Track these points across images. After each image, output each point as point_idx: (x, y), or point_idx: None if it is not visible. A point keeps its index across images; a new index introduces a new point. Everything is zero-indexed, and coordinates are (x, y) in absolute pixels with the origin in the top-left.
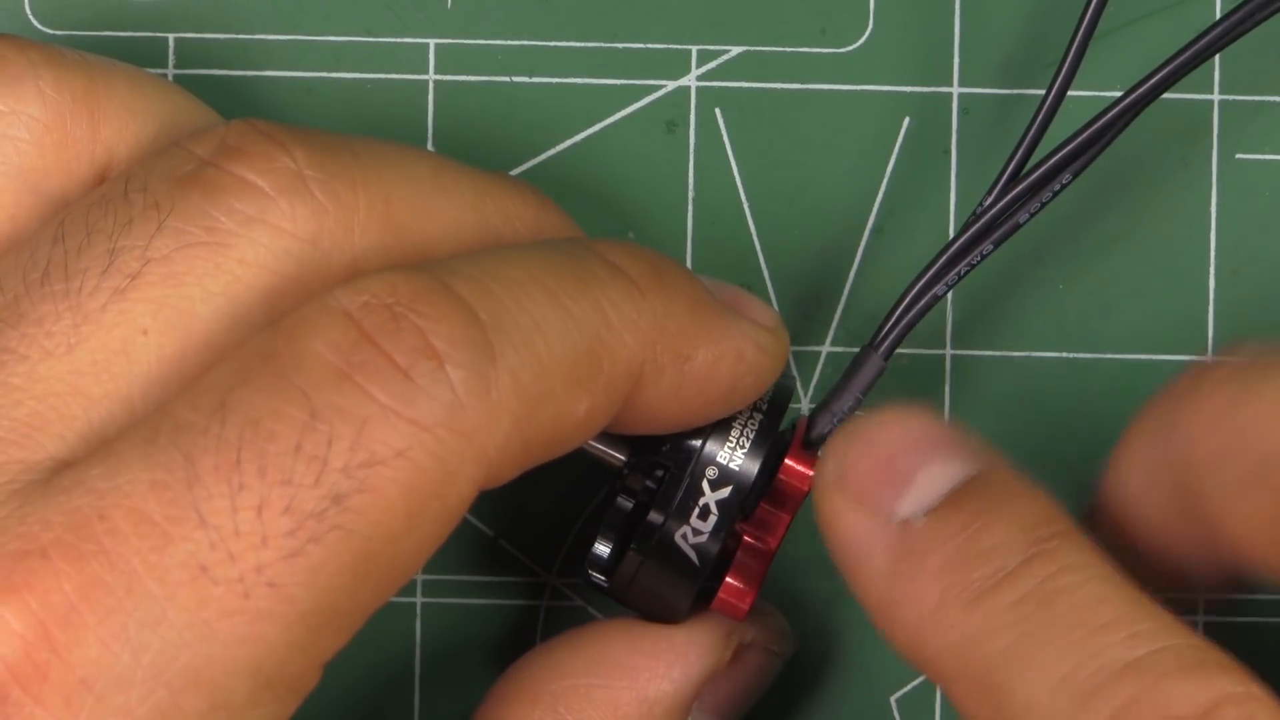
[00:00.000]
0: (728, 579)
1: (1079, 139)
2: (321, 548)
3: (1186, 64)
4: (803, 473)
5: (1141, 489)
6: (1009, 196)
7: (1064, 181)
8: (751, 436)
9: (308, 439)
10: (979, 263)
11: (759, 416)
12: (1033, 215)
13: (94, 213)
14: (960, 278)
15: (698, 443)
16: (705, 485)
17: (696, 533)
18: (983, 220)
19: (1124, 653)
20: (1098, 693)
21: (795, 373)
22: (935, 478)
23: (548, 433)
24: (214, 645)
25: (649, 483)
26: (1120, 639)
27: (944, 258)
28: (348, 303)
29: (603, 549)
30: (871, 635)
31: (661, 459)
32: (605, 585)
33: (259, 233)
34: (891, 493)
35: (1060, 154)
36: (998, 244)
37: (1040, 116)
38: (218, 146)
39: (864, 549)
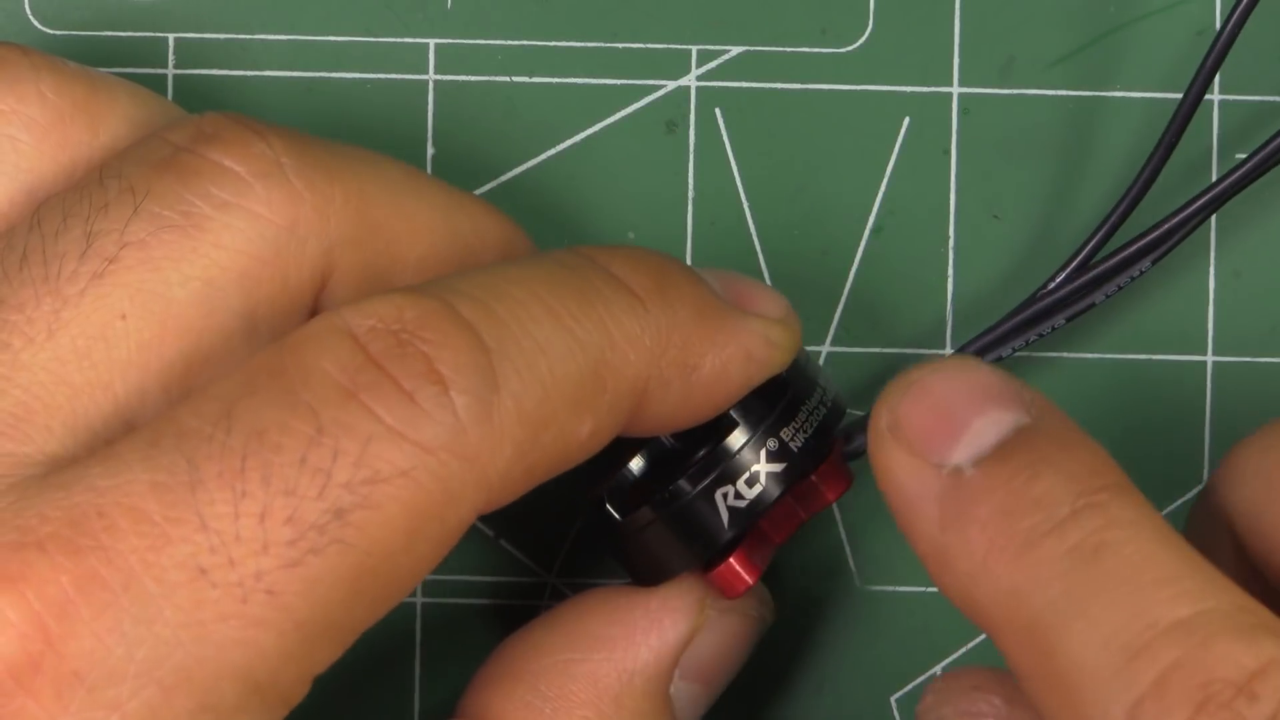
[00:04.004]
0: (733, 559)
1: (1163, 228)
2: (321, 559)
3: None
4: (833, 482)
5: (1247, 498)
6: (1088, 276)
7: (1143, 269)
8: (815, 425)
9: (313, 452)
10: (1048, 334)
11: (823, 410)
12: (1109, 297)
13: (70, 198)
14: (1026, 344)
15: (769, 412)
16: (763, 454)
17: (738, 496)
18: (1058, 296)
19: (1171, 611)
20: (1143, 652)
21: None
22: (988, 427)
23: (551, 455)
24: (208, 647)
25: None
26: (1168, 596)
27: (1012, 323)
28: (354, 325)
29: (633, 477)
30: (871, 635)
31: (725, 415)
32: (618, 521)
33: (235, 217)
34: (945, 441)
35: (1143, 241)
36: (1070, 319)
37: (1123, 205)
38: (193, 133)
39: (917, 497)
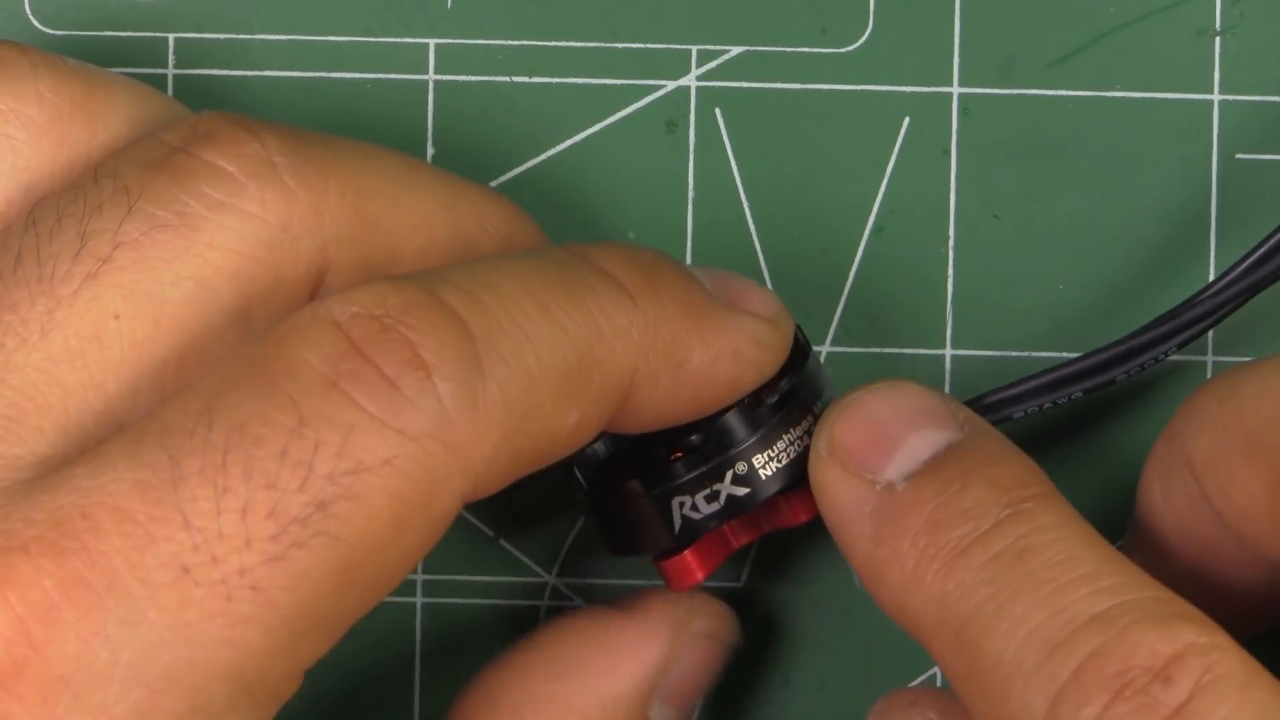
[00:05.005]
0: (688, 553)
1: (1191, 312)
2: (306, 553)
3: None
4: (803, 507)
5: (1164, 508)
6: (1116, 350)
7: (1169, 351)
8: (791, 456)
9: (294, 445)
10: (1064, 403)
11: (808, 440)
12: (1129, 375)
13: (64, 199)
14: (1040, 410)
15: (747, 435)
16: (729, 475)
17: (694, 508)
18: (1079, 367)
19: (1090, 606)
20: (1064, 644)
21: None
22: (920, 444)
23: (537, 444)
24: (195, 647)
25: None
26: (1087, 593)
27: (1033, 384)
28: (338, 313)
29: (600, 454)
30: (871, 635)
31: (703, 426)
32: (585, 488)
33: (228, 217)
34: (878, 459)
35: (1169, 324)
36: (1088, 393)
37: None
38: (188, 133)
39: (851, 514)
